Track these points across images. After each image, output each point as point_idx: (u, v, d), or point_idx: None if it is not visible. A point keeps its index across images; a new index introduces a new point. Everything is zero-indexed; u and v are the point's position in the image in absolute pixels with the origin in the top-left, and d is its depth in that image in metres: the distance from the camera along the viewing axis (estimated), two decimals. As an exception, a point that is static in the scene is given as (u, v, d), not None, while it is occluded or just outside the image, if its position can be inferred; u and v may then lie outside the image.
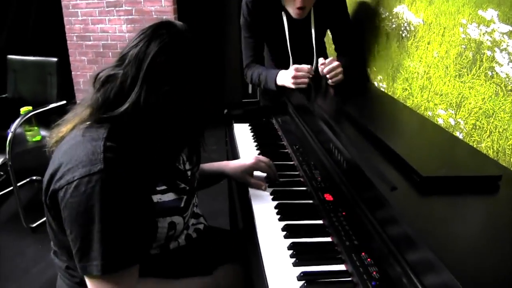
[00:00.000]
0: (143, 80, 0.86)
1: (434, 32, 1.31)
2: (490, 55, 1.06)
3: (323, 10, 1.78)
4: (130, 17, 3.79)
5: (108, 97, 0.88)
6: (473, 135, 1.13)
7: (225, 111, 1.75)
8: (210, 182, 1.32)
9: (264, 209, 1.11)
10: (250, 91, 4.39)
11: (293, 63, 1.77)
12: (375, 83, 1.72)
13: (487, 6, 1.07)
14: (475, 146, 1.10)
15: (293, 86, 1.62)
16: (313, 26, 1.79)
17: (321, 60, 1.62)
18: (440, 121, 1.27)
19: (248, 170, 1.26)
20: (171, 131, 0.94)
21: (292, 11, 1.70)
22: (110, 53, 3.95)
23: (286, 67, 1.72)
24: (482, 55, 1.10)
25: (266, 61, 1.96)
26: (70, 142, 0.88)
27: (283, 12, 1.76)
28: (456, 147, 1.08)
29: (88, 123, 0.90)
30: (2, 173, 3.15)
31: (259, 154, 1.43)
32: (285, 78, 1.66)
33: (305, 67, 1.62)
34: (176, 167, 1.08)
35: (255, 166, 1.26)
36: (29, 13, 3.94)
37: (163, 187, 1.01)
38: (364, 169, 0.93)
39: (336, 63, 1.61)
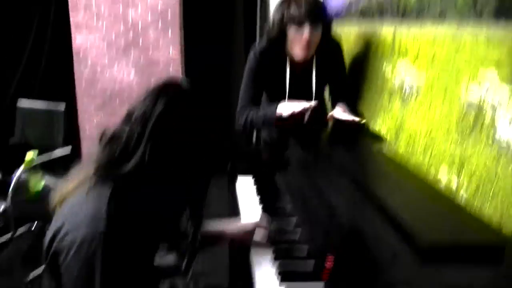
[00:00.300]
0: (149, 138, 0.86)
1: (436, 92, 1.31)
2: (491, 117, 1.06)
3: (323, 61, 1.85)
4: (138, 65, 3.87)
5: (114, 155, 0.88)
6: (476, 198, 1.10)
7: (229, 163, 1.76)
8: (209, 244, 1.30)
9: (264, 269, 1.09)
10: (253, 140, 4.42)
11: None
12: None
13: (487, 67, 1.07)
14: (478, 210, 1.08)
15: (297, 109, 1.64)
16: (314, 76, 1.84)
17: (337, 114, 1.68)
18: (442, 182, 1.25)
19: (249, 235, 1.24)
20: (175, 191, 0.94)
21: (298, 51, 1.76)
22: (117, 100, 4.00)
23: None
24: (483, 117, 1.09)
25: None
26: (74, 201, 0.88)
27: (287, 59, 1.83)
28: (459, 212, 1.06)
29: (92, 181, 0.89)
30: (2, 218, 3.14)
31: (262, 209, 1.42)
32: (291, 105, 1.68)
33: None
34: (179, 227, 1.08)
35: (255, 233, 1.25)
36: (40, 59, 4.04)
37: (165, 249, 1.00)
38: (364, 234, 0.91)
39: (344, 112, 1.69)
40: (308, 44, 1.72)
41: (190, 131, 0.90)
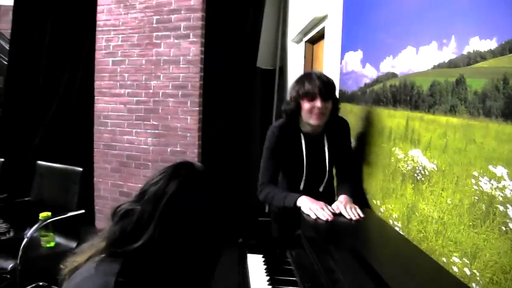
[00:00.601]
0: (159, 218, 0.90)
1: (447, 180, 1.35)
2: (503, 210, 1.08)
3: (333, 135, 2.07)
4: (156, 131, 3.99)
5: (125, 232, 0.91)
6: (490, 289, 1.10)
7: (240, 240, 1.76)
8: None
9: None
10: (266, 209, 4.42)
11: (306, 180, 2.06)
12: (390, 221, 1.73)
13: (496, 163, 1.11)
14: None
15: (312, 213, 1.74)
16: (326, 144, 2.06)
17: (339, 207, 1.80)
18: (455, 269, 1.25)
19: None
20: (183, 268, 0.96)
21: (312, 120, 1.95)
22: (133, 164, 4.09)
23: (298, 184, 2.05)
24: (495, 209, 1.11)
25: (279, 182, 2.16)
26: (83, 275, 0.89)
27: (301, 134, 2.05)
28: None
29: (103, 255, 0.92)
30: (8, 276, 3.12)
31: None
32: (310, 204, 1.79)
33: (330, 209, 1.78)
34: None
35: None
36: (63, 122, 4.19)
37: None
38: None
39: (349, 204, 1.81)
40: (321, 112, 1.92)
41: (201, 214, 0.94)
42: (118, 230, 0.92)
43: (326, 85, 1.93)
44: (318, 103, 1.90)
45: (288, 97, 2.09)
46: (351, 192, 1.97)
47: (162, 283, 0.92)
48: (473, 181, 1.21)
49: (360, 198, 2.05)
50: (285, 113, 2.07)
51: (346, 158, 2.14)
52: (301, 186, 2.08)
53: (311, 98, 1.92)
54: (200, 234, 0.93)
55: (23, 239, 2.52)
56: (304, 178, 2.06)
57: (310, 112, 1.94)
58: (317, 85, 1.91)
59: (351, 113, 2.32)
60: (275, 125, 2.11)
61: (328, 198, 1.95)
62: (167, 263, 0.92)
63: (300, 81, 2.01)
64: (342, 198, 1.89)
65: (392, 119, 1.78)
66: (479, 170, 1.18)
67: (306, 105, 1.94)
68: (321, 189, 2.09)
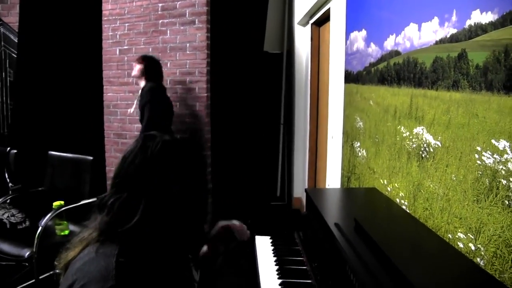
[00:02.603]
0: (146, 193, 0.93)
1: (451, 156, 1.34)
2: (506, 184, 1.08)
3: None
4: (165, 118, 4.01)
5: (117, 216, 0.93)
6: (494, 264, 1.11)
7: (249, 221, 1.78)
8: None
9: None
10: (278, 193, 4.45)
11: None
12: (397, 200, 1.73)
13: (499, 136, 1.11)
14: (497, 275, 1.08)
15: None
16: None
17: None
18: (460, 245, 1.25)
19: None
20: (173, 237, 0.98)
21: None
22: (143, 152, 4.12)
23: None
24: (498, 183, 1.11)
25: None
26: (84, 259, 0.91)
27: None
28: (476, 277, 1.06)
29: (100, 241, 0.94)
30: (27, 264, 3.19)
31: (277, 270, 1.43)
32: None
33: None
34: (186, 275, 1.09)
35: None
36: (74, 112, 4.23)
37: None
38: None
39: None
40: None
41: (182, 175, 0.97)
42: (108, 219, 0.94)
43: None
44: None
45: None
46: None
47: (158, 255, 0.95)
48: (477, 156, 1.20)
49: (367, 178, 2.05)
50: None
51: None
52: None
53: None
54: (183, 201, 0.97)
55: (38, 228, 2.58)
56: None
57: None
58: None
59: (357, 94, 2.30)
60: None
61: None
62: (159, 236, 0.94)
63: None
64: None
65: (397, 97, 1.77)
66: (482, 145, 1.18)
67: None
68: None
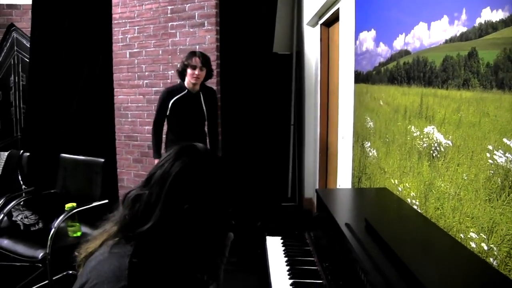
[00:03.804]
0: (165, 199, 0.92)
1: (462, 155, 1.33)
2: (519, 183, 1.07)
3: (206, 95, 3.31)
4: (176, 120, 4.03)
5: (136, 215, 0.94)
6: (508, 264, 1.10)
7: (259, 223, 1.79)
8: None
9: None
10: (289, 194, 4.44)
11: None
12: (408, 200, 1.72)
13: (511, 135, 1.10)
14: (511, 276, 1.07)
15: None
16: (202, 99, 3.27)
17: None
18: (472, 245, 1.24)
19: None
20: (192, 245, 0.98)
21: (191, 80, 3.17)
22: (154, 154, 4.15)
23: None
24: (510, 182, 1.10)
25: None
26: (98, 258, 0.92)
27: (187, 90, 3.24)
28: (489, 277, 1.05)
29: (116, 239, 0.95)
30: (40, 265, 3.23)
31: (288, 270, 1.43)
32: None
33: None
34: (198, 278, 1.09)
35: None
36: (86, 115, 4.27)
37: None
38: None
39: None
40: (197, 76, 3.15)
41: (205, 192, 0.96)
42: (129, 215, 0.95)
43: (204, 60, 3.17)
44: (197, 71, 3.14)
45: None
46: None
47: (173, 262, 0.95)
48: (488, 155, 1.19)
49: (378, 178, 2.04)
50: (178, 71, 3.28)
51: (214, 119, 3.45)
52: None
53: (194, 68, 3.13)
54: (206, 213, 0.96)
55: (51, 229, 2.61)
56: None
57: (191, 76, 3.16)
58: (199, 61, 3.14)
59: (367, 94, 2.30)
60: (166, 89, 3.34)
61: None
62: (176, 243, 0.94)
63: (188, 57, 3.18)
64: None
65: (407, 97, 1.76)
66: (494, 144, 1.17)
67: (189, 72, 3.15)
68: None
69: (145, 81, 4.15)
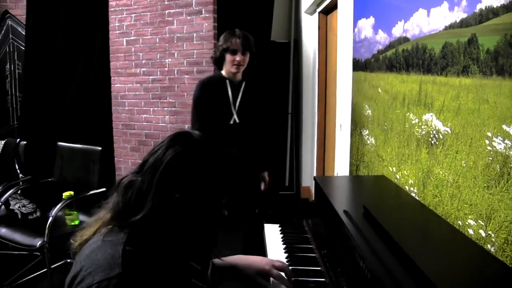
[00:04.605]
0: (157, 186, 0.91)
1: (461, 142, 1.33)
2: (517, 169, 1.07)
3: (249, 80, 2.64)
4: (173, 109, 4.02)
5: (129, 203, 0.94)
6: (505, 250, 1.10)
7: (256, 211, 1.78)
8: (221, 277, 1.31)
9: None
10: (286, 183, 4.45)
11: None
12: (406, 188, 1.72)
13: (510, 122, 1.09)
14: (508, 262, 1.07)
15: None
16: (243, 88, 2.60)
17: None
18: (470, 232, 1.25)
19: (261, 273, 1.25)
20: (185, 234, 0.98)
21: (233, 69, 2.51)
22: (152, 142, 4.14)
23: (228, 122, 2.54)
24: (509, 169, 1.10)
25: None
26: (92, 246, 0.92)
27: (226, 80, 2.54)
28: (487, 263, 1.05)
29: (110, 227, 0.95)
30: (39, 253, 3.24)
31: (286, 258, 1.43)
32: None
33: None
34: (192, 266, 1.09)
35: (269, 273, 1.25)
36: (83, 103, 4.24)
37: None
38: (385, 284, 0.92)
39: None
40: (239, 63, 2.47)
41: (197, 181, 0.94)
42: (122, 202, 0.95)
43: (245, 41, 2.46)
44: (238, 57, 2.45)
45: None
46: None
47: (166, 250, 0.95)
48: (487, 142, 1.19)
49: (376, 166, 2.04)
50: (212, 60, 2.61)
51: (258, 110, 2.70)
52: (234, 119, 2.54)
53: (234, 52, 2.46)
54: (197, 203, 0.95)
55: (49, 218, 2.61)
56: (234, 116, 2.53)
57: (232, 63, 2.47)
58: (239, 43, 2.43)
59: (365, 82, 2.29)
60: (199, 82, 2.58)
61: (240, 134, 2.57)
62: (169, 232, 0.94)
63: (227, 38, 2.49)
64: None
65: (405, 84, 1.75)
66: (493, 130, 1.16)
67: (229, 58, 2.47)
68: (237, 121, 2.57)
69: (142, 69, 4.12)
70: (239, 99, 2.57)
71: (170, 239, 0.95)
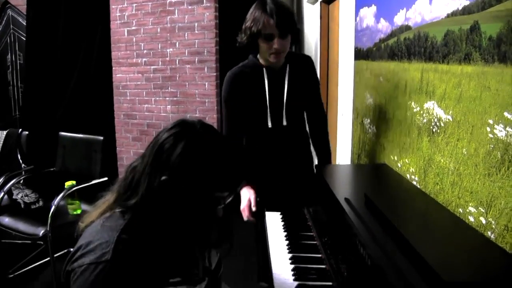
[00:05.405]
0: (150, 167, 0.93)
1: (462, 130, 1.33)
2: (519, 157, 1.07)
3: (296, 64, 1.94)
4: (174, 98, 4.02)
5: (130, 186, 0.94)
6: (505, 237, 1.10)
7: (258, 199, 1.79)
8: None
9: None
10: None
11: (271, 115, 1.89)
12: (408, 176, 1.73)
13: (512, 109, 1.09)
14: (508, 248, 1.07)
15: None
16: (287, 76, 1.91)
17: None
18: (471, 219, 1.25)
19: None
20: (177, 222, 0.98)
21: (271, 59, 1.82)
22: (153, 132, 4.15)
23: (266, 121, 1.89)
24: (510, 156, 1.10)
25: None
26: (92, 229, 0.94)
27: (263, 68, 1.90)
28: (487, 249, 1.06)
29: (112, 211, 0.95)
30: (42, 242, 3.26)
31: (287, 245, 1.44)
32: (242, 199, 1.84)
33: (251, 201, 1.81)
34: (190, 256, 1.09)
35: None
36: (84, 93, 4.24)
37: (177, 279, 1.02)
38: (386, 271, 0.92)
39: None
40: (278, 51, 1.77)
41: (188, 164, 0.94)
42: (123, 185, 0.96)
43: (283, 20, 1.71)
44: (275, 44, 1.74)
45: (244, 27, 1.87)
46: (328, 151, 2.14)
47: (160, 240, 0.95)
48: (488, 129, 1.19)
49: (378, 155, 2.05)
50: (240, 45, 1.91)
51: (315, 100, 2.06)
52: (269, 123, 1.89)
53: (269, 38, 1.74)
54: (186, 187, 0.94)
55: (51, 207, 2.62)
56: (269, 113, 1.88)
57: (268, 51, 1.78)
58: (274, 25, 1.69)
59: (367, 70, 2.28)
60: (229, 74, 1.96)
61: (295, 133, 2.00)
62: (163, 219, 0.94)
63: (256, 18, 1.75)
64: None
65: (407, 72, 1.75)
66: (495, 118, 1.16)
67: (263, 45, 1.78)
68: (284, 123, 1.90)
69: (144, 59, 4.12)
70: (285, 91, 1.92)
71: (163, 228, 0.95)
